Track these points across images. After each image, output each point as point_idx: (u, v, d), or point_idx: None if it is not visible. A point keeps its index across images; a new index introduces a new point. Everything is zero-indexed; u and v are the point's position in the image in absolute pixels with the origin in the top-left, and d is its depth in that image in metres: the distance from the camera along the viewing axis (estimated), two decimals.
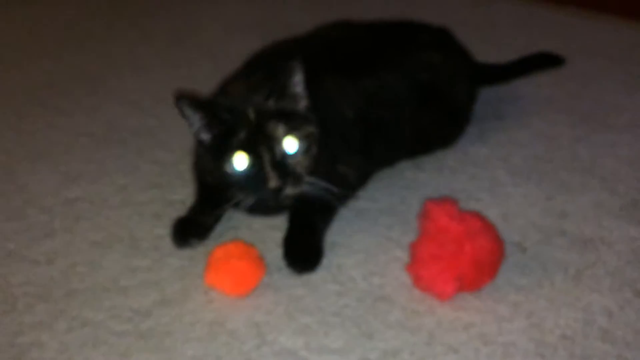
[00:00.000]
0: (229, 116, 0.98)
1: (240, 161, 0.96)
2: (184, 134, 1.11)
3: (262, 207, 1.05)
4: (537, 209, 1.15)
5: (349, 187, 1.13)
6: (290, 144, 0.97)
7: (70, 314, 0.93)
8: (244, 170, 0.97)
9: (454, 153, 1.31)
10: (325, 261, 1.03)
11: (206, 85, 1.14)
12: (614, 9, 1.95)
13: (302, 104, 1.00)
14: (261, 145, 0.96)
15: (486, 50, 1.54)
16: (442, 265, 0.93)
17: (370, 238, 1.08)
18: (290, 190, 0.97)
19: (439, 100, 1.25)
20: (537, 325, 0.92)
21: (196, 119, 0.98)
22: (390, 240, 1.08)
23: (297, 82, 0.99)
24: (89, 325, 0.92)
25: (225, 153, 0.97)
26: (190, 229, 1.06)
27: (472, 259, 0.93)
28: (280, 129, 0.96)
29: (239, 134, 0.96)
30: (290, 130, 0.97)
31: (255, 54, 1.25)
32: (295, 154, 0.97)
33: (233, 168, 0.97)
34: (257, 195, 0.98)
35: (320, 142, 1.02)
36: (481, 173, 1.25)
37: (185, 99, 0.97)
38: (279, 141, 0.96)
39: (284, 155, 0.97)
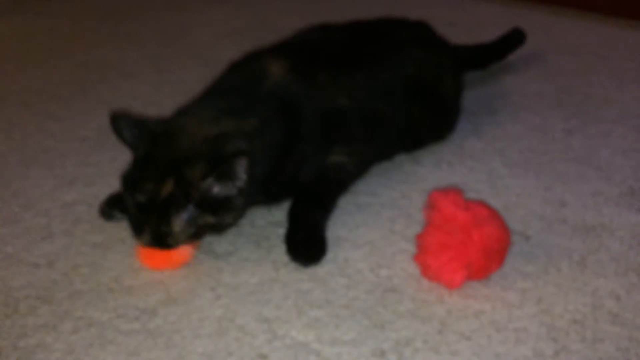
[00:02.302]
0: (143, 167, 0.96)
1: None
2: None
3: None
4: (536, 199, 1.16)
5: (347, 175, 1.14)
6: (179, 233, 0.95)
7: (75, 314, 0.91)
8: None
9: (450, 147, 1.31)
10: (330, 255, 1.02)
11: (195, 89, 1.12)
12: (597, 7, 1.99)
13: (234, 189, 0.97)
14: (148, 222, 0.94)
15: None
16: (451, 253, 0.93)
17: (374, 231, 1.08)
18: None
19: (426, 93, 1.26)
20: (547, 311, 0.92)
21: (128, 136, 0.99)
22: (394, 233, 1.07)
23: (237, 173, 0.96)
24: (95, 326, 0.89)
25: (124, 195, 0.98)
26: None
27: (481, 247, 0.93)
28: (177, 222, 0.94)
29: (136, 196, 0.95)
30: (186, 226, 0.95)
31: (231, 64, 1.20)
32: (180, 238, 0.96)
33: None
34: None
35: (310, 135, 1.06)
36: (478, 166, 1.26)
37: (122, 119, 1.00)
38: (166, 228, 0.94)
39: (165, 233, 0.95)
